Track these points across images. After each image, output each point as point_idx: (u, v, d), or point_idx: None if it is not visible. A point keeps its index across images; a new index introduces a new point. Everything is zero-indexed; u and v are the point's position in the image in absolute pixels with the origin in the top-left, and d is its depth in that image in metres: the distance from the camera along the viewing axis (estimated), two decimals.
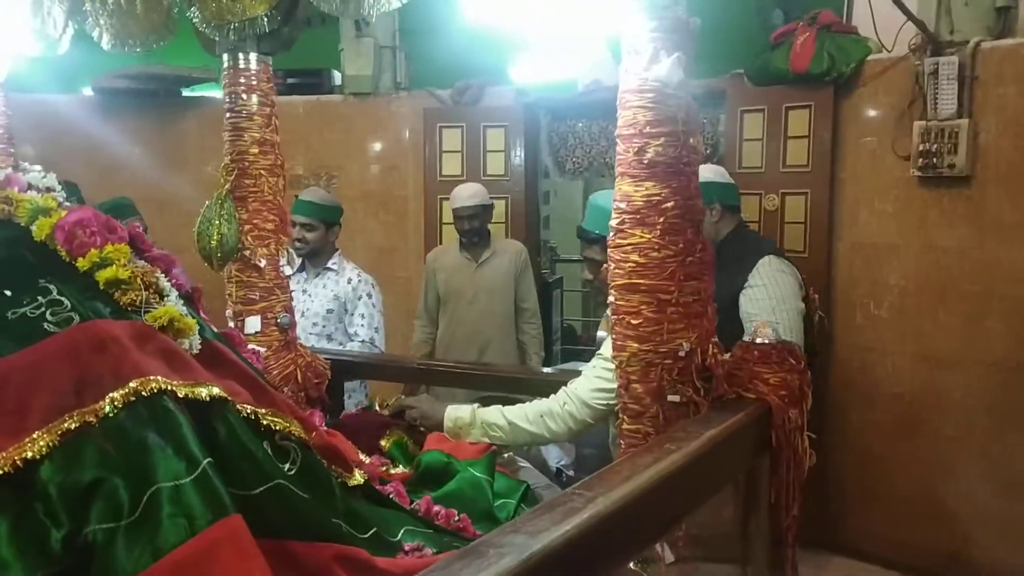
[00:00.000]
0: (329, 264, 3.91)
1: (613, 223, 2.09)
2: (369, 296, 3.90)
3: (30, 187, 1.67)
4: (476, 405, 2.49)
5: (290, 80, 5.74)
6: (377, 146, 5.61)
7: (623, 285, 2.07)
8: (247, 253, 2.62)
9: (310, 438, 1.56)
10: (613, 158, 5.26)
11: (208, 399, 1.42)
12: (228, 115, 2.63)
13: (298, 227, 3.81)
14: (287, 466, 1.47)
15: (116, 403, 1.33)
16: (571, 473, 2.76)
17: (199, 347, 1.56)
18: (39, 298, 1.48)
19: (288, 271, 2.72)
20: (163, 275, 1.61)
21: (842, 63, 4.20)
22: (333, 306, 3.83)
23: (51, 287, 1.49)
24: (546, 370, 2.84)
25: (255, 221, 2.64)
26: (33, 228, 1.60)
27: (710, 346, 2.08)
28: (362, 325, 3.83)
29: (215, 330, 1.69)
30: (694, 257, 2.04)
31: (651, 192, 2.02)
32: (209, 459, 1.31)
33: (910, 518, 4.22)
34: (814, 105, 4.32)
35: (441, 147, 5.43)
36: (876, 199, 4.23)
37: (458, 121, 5.43)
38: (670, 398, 2.06)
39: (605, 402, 2.37)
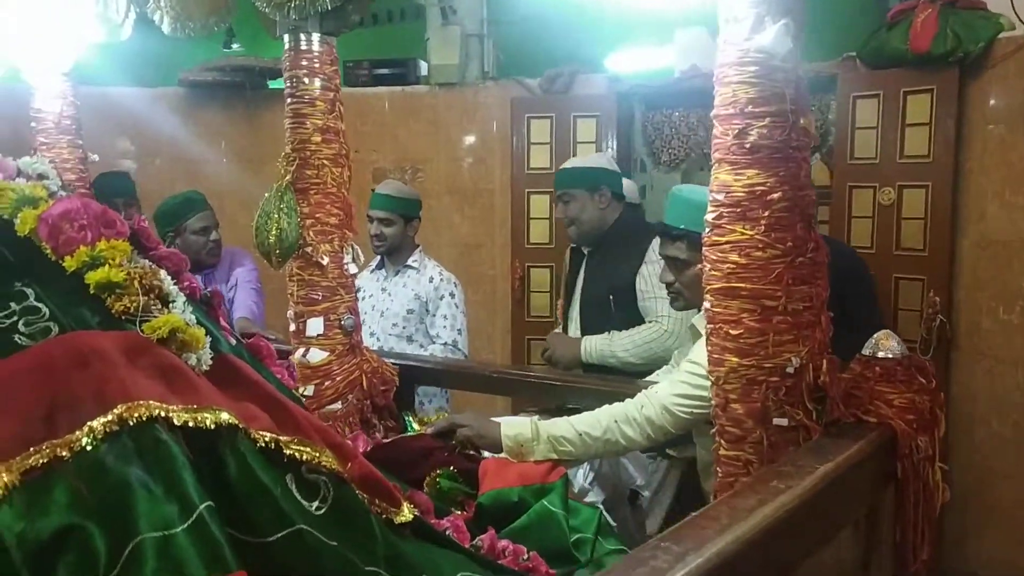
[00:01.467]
0: (409, 261, 3.70)
1: (709, 217, 1.81)
2: (452, 296, 3.68)
3: (19, 174, 1.48)
4: (536, 417, 2.23)
5: (376, 71, 5.60)
6: (463, 138, 5.40)
7: (720, 289, 1.79)
8: (308, 250, 2.43)
9: (346, 469, 1.33)
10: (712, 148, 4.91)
11: (214, 426, 1.19)
12: (289, 101, 2.45)
13: (375, 222, 3.62)
14: (315, 504, 1.24)
15: (96, 433, 1.11)
16: (646, 494, 2.48)
17: (210, 363, 1.33)
18: (11, 305, 1.26)
19: (353, 269, 2.52)
20: (170, 277, 1.40)
21: (969, 42, 3.79)
22: (414, 306, 3.62)
23: (28, 291, 1.29)
24: (649, 379, 2.55)
25: (317, 215, 2.44)
26: (16, 221, 1.39)
27: (824, 361, 1.78)
28: (444, 327, 3.60)
29: (234, 342, 1.47)
30: (805, 257, 1.75)
31: (754, 181, 1.73)
32: (208, 503, 1.08)
33: None
34: (936, 89, 3.92)
35: (529, 138, 5.18)
36: (1007, 191, 3.80)
37: (547, 111, 5.17)
38: (776, 422, 1.77)
39: (689, 410, 2.10)
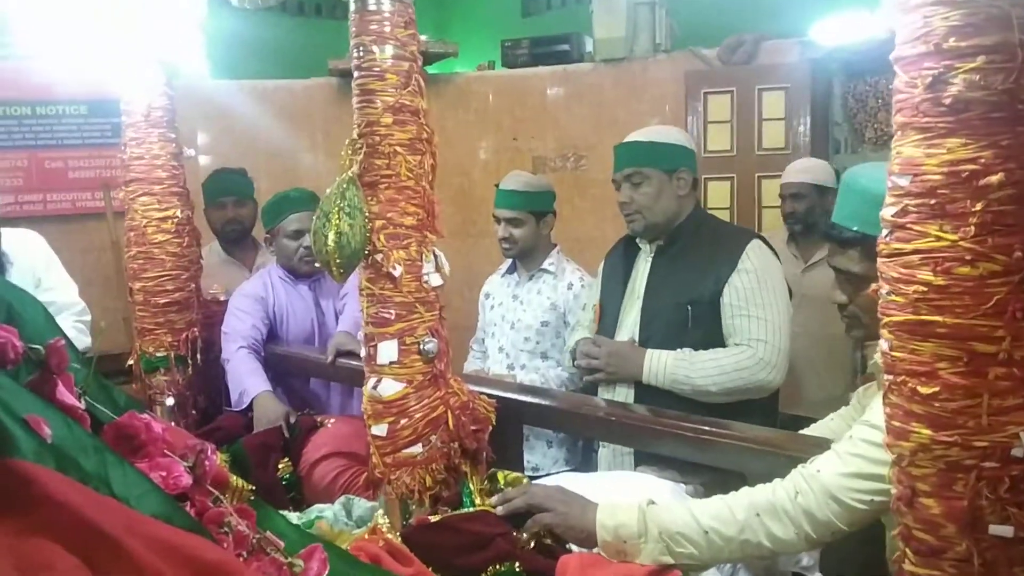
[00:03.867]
0: (545, 265, 3.19)
1: (887, 212, 1.19)
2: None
3: None
4: (646, 501, 1.62)
5: (536, 50, 5.14)
6: (632, 119, 4.81)
7: (904, 324, 1.17)
8: (378, 257, 1.96)
9: None
10: None
11: None
12: (356, 75, 1.99)
13: (503, 224, 3.12)
14: None
15: None
16: None
17: None
18: None
19: (436, 280, 2.03)
20: None
21: None
22: (549, 317, 3.11)
23: None
24: (814, 431, 1.90)
25: (389, 214, 1.96)
26: None
27: None
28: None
29: (51, 432, 0.88)
30: None
31: (959, 157, 1.10)
32: None
33: None
34: None
35: (706, 117, 4.57)
36: None
37: (727, 85, 4.53)
38: (994, 531, 1.14)
39: (868, 498, 1.44)
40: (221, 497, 1.08)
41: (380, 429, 2.00)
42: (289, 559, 1.02)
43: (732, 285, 2.38)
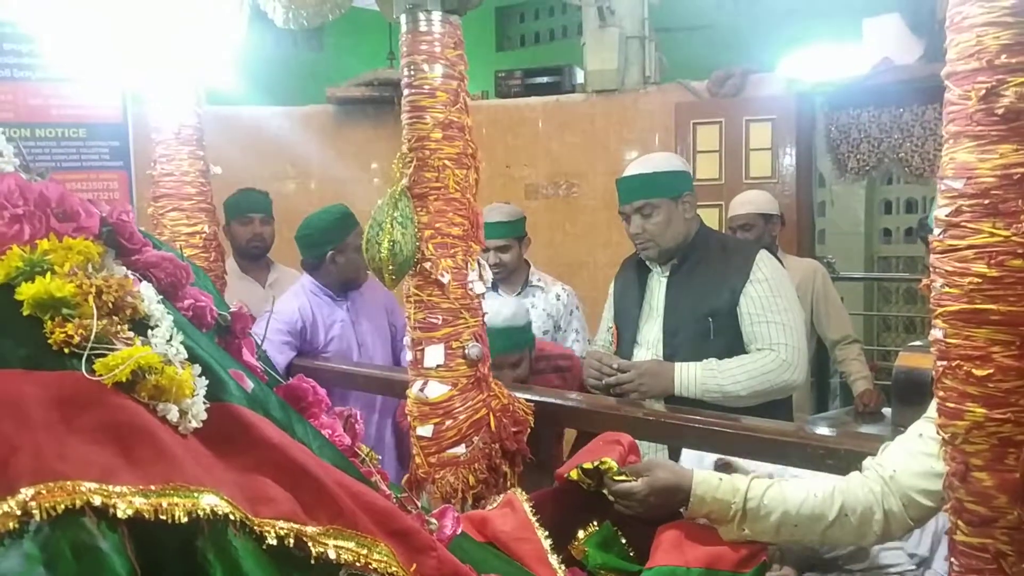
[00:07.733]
0: (534, 281, 3.45)
1: (941, 212, 1.31)
2: (577, 308, 3.50)
3: None
4: (750, 477, 1.67)
5: (529, 81, 5.30)
6: (622, 149, 4.98)
7: (959, 313, 1.29)
8: (427, 265, 2.06)
9: (412, 570, 0.92)
10: (908, 153, 4.26)
11: (187, 517, 0.79)
12: (406, 92, 2.10)
13: (492, 252, 3.29)
14: None
15: None
16: None
17: (204, 418, 0.91)
18: None
19: (479, 288, 2.14)
20: (157, 294, 1.00)
21: None
22: (548, 326, 3.38)
23: None
24: (823, 431, 2.02)
25: (437, 224, 2.07)
26: None
27: None
28: (578, 341, 3.41)
29: (251, 387, 1.00)
30: None
31: (1011, 161, 1.23)
32: None
33: None
34: None
35: (695, 147, 4.73)
36: None
37: (715, 116, 4.70)
38: None
39: (938, 496, 1.54)
40: (366, 458, 1.16)
41: (426, 430, 2.08)
42: (427, 516, 1.10)
43: (748, 295, 2.50)
